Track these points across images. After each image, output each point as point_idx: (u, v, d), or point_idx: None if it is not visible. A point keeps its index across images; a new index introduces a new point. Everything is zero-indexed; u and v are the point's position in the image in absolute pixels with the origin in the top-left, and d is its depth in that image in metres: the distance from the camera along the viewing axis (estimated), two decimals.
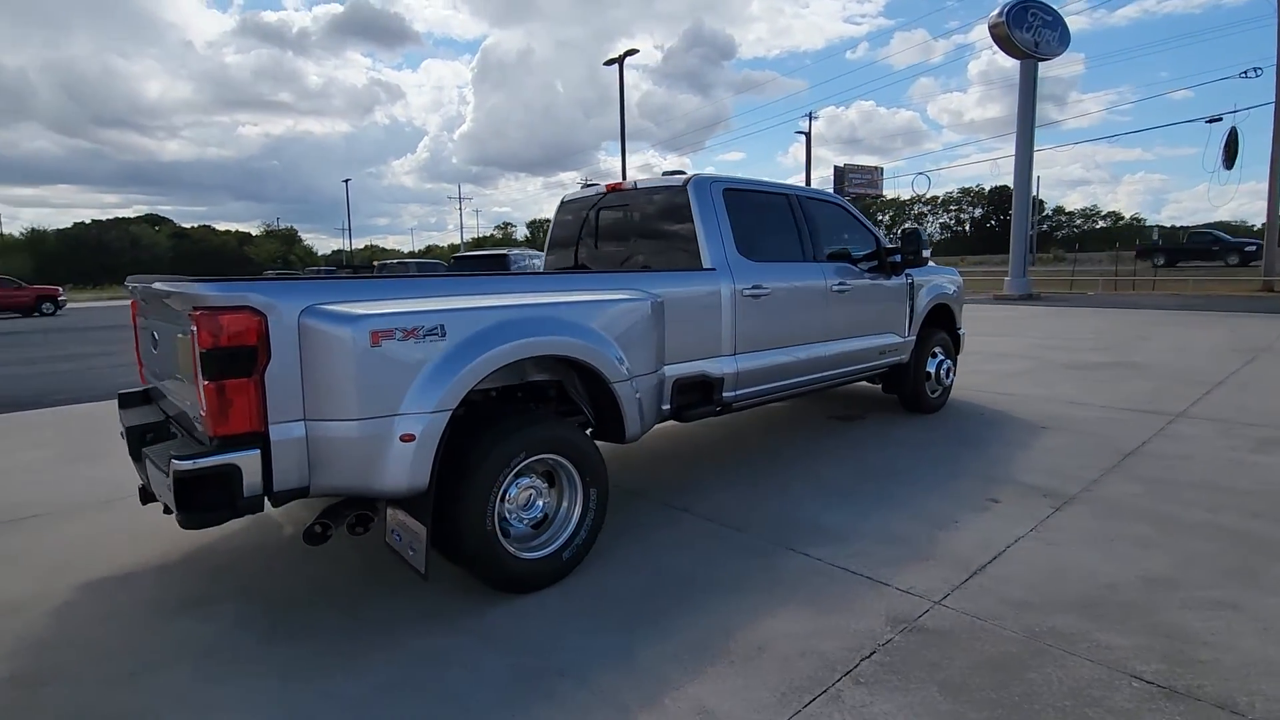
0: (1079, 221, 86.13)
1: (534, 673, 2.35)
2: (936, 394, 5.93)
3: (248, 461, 2.35)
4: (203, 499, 2.31)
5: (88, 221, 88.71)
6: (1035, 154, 20.71)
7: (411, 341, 2.53)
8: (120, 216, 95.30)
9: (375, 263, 30.17)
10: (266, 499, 2.44)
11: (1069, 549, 3.22)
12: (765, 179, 4.68)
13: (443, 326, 2.61)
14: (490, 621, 2.70)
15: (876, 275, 5.14)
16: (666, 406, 3.71)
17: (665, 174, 4.32)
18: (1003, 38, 19.40)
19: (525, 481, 2.96)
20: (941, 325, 6.10)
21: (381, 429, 2.48)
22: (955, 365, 6.26)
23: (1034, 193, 29.52)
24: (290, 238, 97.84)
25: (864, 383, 5.75)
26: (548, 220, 5.48)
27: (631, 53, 24.78)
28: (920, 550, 3.23)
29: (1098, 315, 14.88)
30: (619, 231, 4.60)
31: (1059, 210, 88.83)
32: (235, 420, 2.32)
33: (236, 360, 2.30)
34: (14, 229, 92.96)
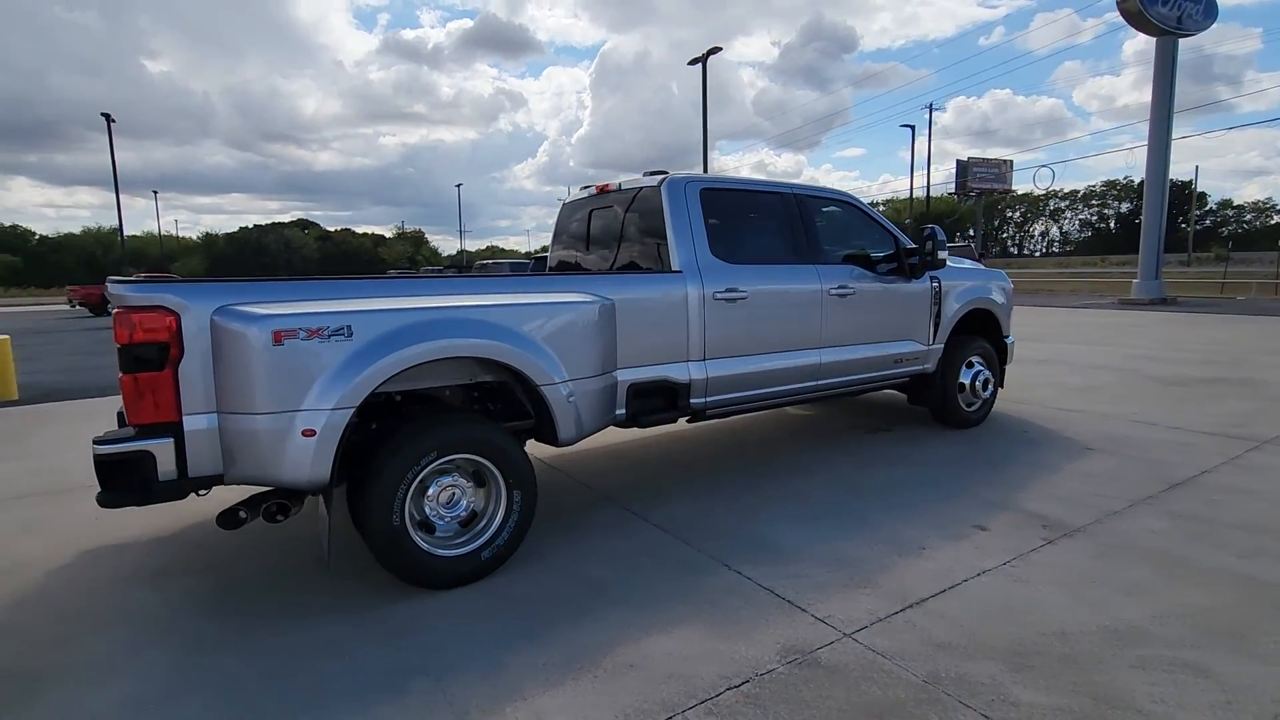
0: (1249, 216, 75.96)
1: (402, 671, 2.40)
2: (974, 407, 5.45)
3: (161, 449, 2.55)
4: (121, 481, 2.53)
5: (249, 226, 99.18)
6: (1202, 140, 18.59)
7: (316, 341, 2.65)
8: (276, 221, 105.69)
9: (478, 262, 31.75)
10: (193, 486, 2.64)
11: (1036, 588, 2.86)
12: (762, 178, 4.49)
13: (349, 327, 2.71)
14: (392, 617, 2.77)
15: (891, 278, 4.80)
16: (621, 411, 3.65)
17: (646, 174, 4.25)
18: (1134, 13, 17.47)
19: (447, 480, 3.02)
20: (984, 332, 5.60)
21: (284, 424, 2.61)
22: (1000, 376, 5.73)
23: (1194, 184, 26.32)
24: (418, 239, 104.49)
25: (898, 393, 5.40)
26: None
27: (714, 51, 24.35)
28: (863, 577, 2.99)
29: (1231, 324, 13.09)
30: (607, 233, 4.57)
31: (1225, 204, 78.87)
32: (150, 410, 2.53)
33: (150, 355, 2.51)
34: (193, 233, 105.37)
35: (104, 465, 2.50)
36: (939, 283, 5.12)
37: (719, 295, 3.92)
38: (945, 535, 3.41)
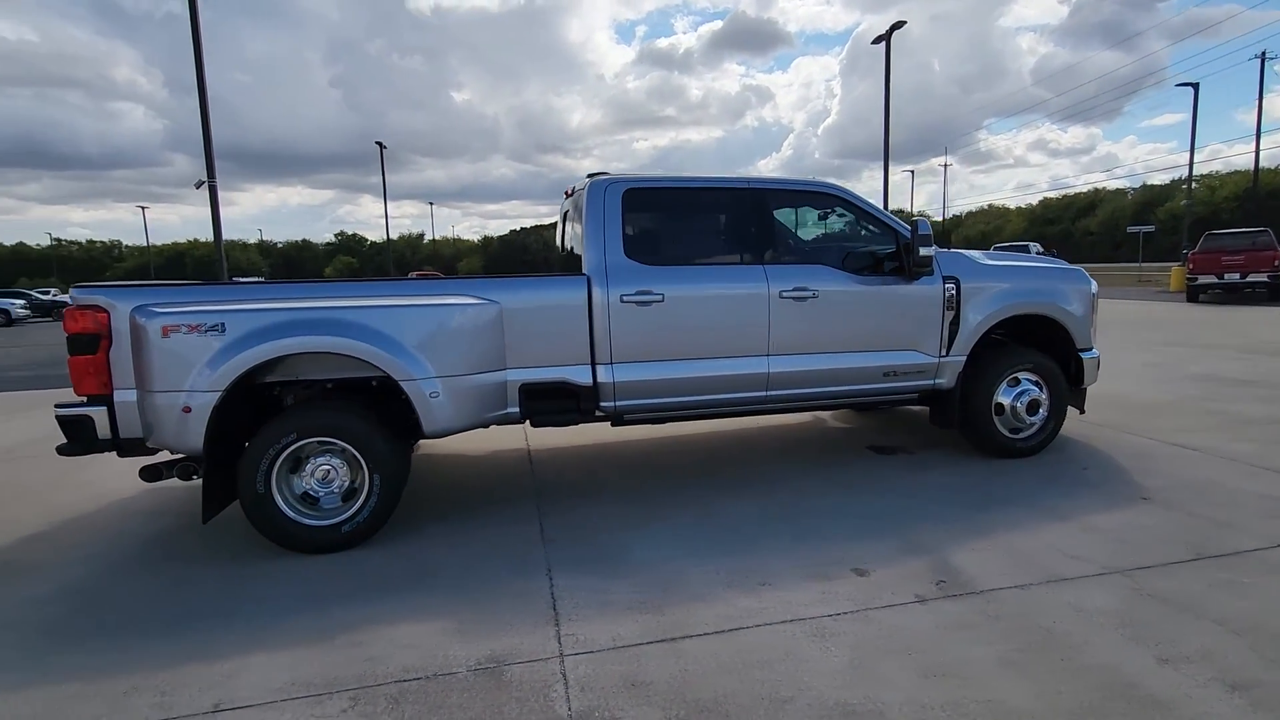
0: None
1: (217, 611, 2.86)
2: (1022, 434, 4.50)
3: (98, 414, 3.32)
4: (72, 437, 3.36)
5: (517, 230, 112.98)
6: None
7: (195, 335, 3.24)
8: (539, 224, 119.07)
9: None
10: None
11: (818, 646, 2.44)
12: (715, 175, 4.22)
13: (223, 324, 3.26)
14: (251, 567, 3.27)
15: (878, 280, 4.19)
16: (514, 409, 3.78)
17: (589, 175, 4.26)
18: None
19: (323, 460, 3.45)
20: (1048, 344, 4.60)
21: (171, 400, 3.25)
22: (1077, 399, 4.66)
23: None
24: None
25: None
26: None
27: (899, 25, 21.73)
28: (659, 603, 2.79)
29: None
30: (572, 228, 4.66)
31: None
32: (87, 385, 3.31)
33: (85, 343, 3.29)
34: (479, 237, 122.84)
35: (60, 423, 3.35)
36: (956, 284, 4.33)
37: (628, 298, 3.83)
38: (806, 573, 3.00)
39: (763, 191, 4.19)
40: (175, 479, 3.52)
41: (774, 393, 4.14)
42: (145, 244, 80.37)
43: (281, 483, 3.38)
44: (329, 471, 3.47)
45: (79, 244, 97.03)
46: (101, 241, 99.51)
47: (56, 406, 3.36)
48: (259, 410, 3.64)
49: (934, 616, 2.63)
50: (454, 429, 3.59)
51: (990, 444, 4.49)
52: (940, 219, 72.77)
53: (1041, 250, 22.88)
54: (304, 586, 3.07)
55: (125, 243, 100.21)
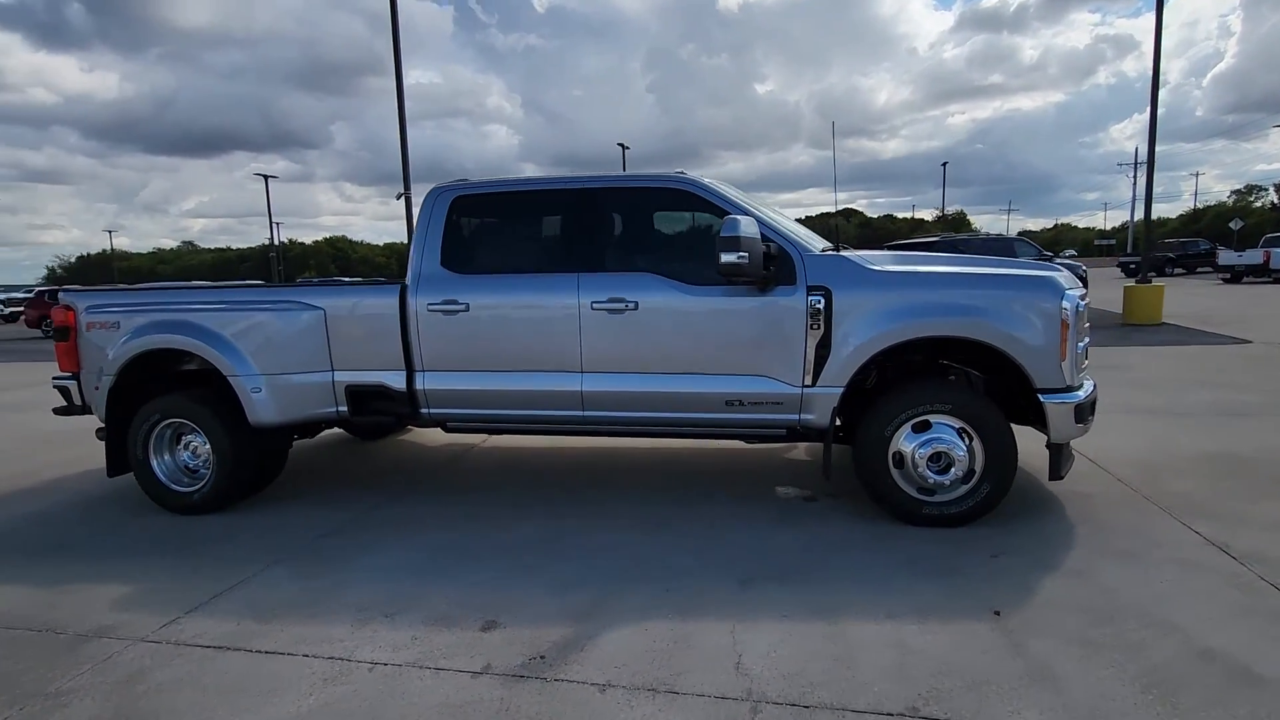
0: None
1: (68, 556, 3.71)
2: (940, 498, 3.38)
3: (73, 386, 4.44)
4: (63, 401, 4.54)
5: (801, 219, 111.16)
6: None
7: (103, 329, 4.14)
8: (825, 212, 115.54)
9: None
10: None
11: (301, 686, 2.28)
12: (565, 175, 3.91)
13: (119, 322, 4.11)
14: (112, 513, 4.09)
15: (725, 289, 3.49)
16: (343, 409, 4.04)
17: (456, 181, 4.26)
18: None
19: (197, 440, 4.14)
20: (1000, 379, 3.39)
21: (94, 380, 4.20)
22: (1054, 457, 3.36)
23: None
24: (958, 221, 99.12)
25: None
26: None
27: None
28: (261, 611, 2.85)
29: None
30: None
31: None
32: (64, 364, 4.44)
33: (61, 333, 4.40)
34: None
35: (56, 389, 4.54)
36: (826, 296, 3.39)
37: (434, 307, 3.81)
38: (432, 615, 2.76)
39: (594, 192, 3.77)
40: None
41: (590, 413, 3.75)
42: None
43: (161, 452, 4.14)
44: (196, 448, 4.14)
45: None
46: None
47: (53, 378, 4.57)
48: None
49: (462, 692, 2.26)
50: (278, 422, 3.99)
51: (890, 505, 3.46)
52: None
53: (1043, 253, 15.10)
54: (120, 539, 3.75)
55: None
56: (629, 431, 3.87)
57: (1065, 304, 3.23)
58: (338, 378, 4.01)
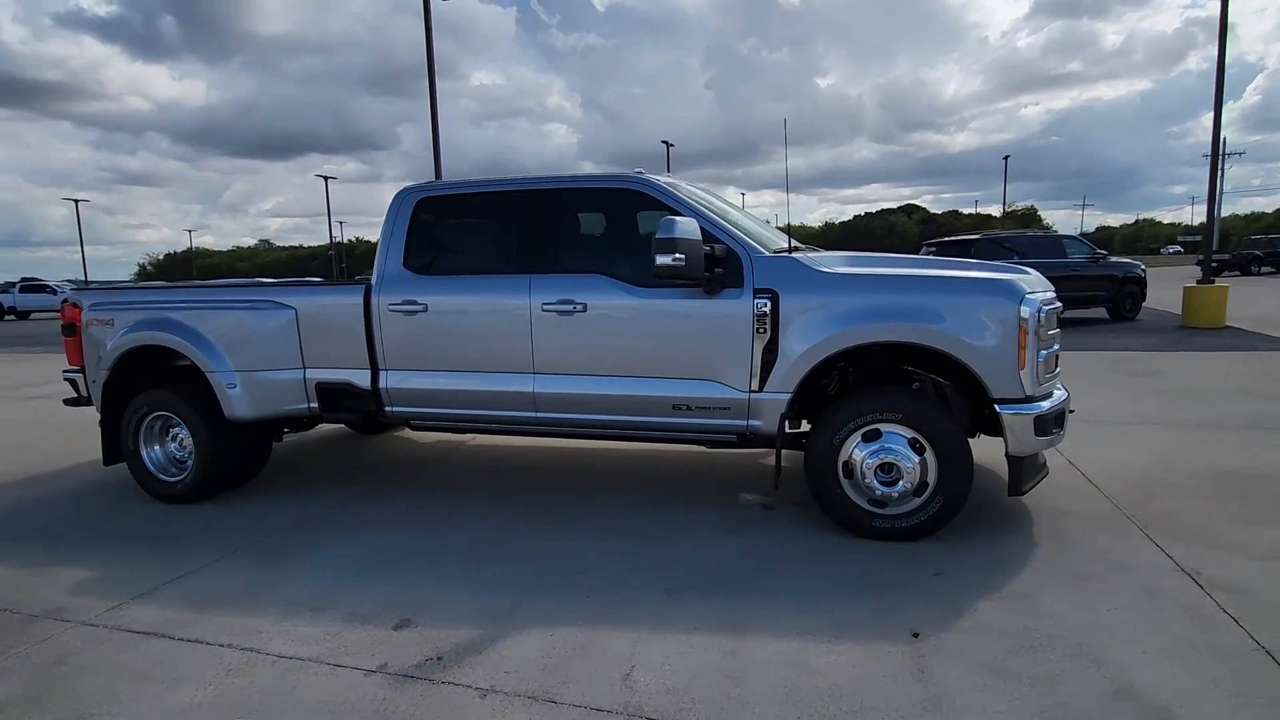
0: None
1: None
2: (890, 510, 3.23)
3: (79, 378, 4.72)
4: (73, 392, 4.83)
5: (861, 215, 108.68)
6: None
7: (101, 326, 4.38)
8: (886, 208, 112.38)
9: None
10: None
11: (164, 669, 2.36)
12: (522, 176, 3.91)
13: (114, 320, 4.34)
14: (107, 499, 4.32)
15: (674, 292, 3.43)
16: (314, 405, 4.17)
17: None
18: None
19: (175, 429, 4.34)
20: (960, 388, 3.23)
21: (93, 374, 4.45)
22: (1014, 471, 3.17)
23: None
24: (1028, 217, 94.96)
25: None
26: None
27: None
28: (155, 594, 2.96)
29: None
30: None
31: None
32: (71, 359, 4.71)
33: (68, 329, 4.68)
34: (834, 220, 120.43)
35: (68, 382, 4.83)
36: (773, 299, 3.28)
37: (395, 307, 3.87)
38: (352, 613, 2.81)
39: (549, 193, 3.77)
40: None
41: (543, 415, 3.74)
42: None
43: (151, 444, 4.36)
44: (183, 440, 4.34)
45: None
46: None
47: (64, 371, 4.86)
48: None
49: (349, 691, 2.29)
50: (252, 417, 4.13)
51: (839, 516, 3.33)
52: None
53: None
54: (97, 528, 3.97)
55: None
56: (580, 434, 3.84)
57: (1024, 309, 3.04)
58: (309, 375, 4.13)
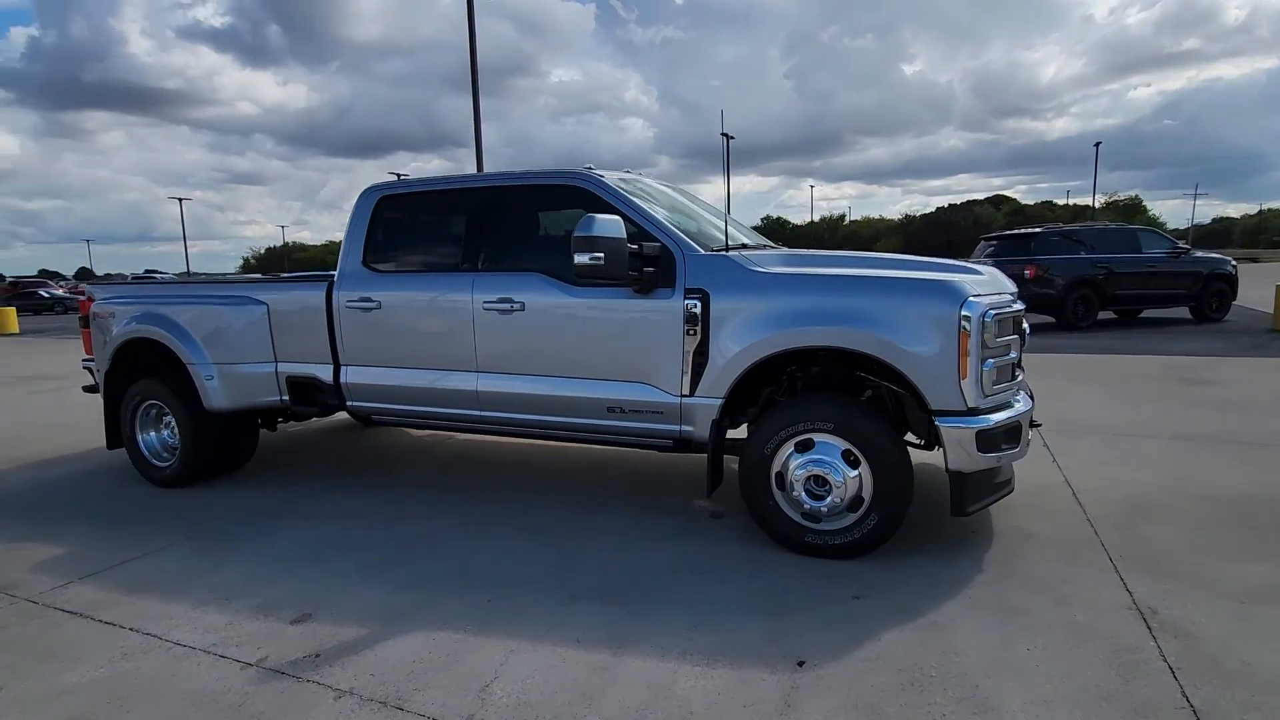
0: None
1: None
2: (824, 526, 3.05)
3: (94, 366, 5.07)
4: (91, 380, 5.18)
5: (944, 206, 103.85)
6: None
7: (105, 319, 4.67)
8: (972, 199, 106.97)
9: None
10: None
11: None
12: (471, 173, 3.90)
13: (114, 313, 4.62)
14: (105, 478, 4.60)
15: (609, 292, 3.33)
16: (285, 398, 4.31)
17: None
18: None
19: (166, 417, 4.59)
20: (893, 394, 3.00)
21: (100, 363, 4.76)
22: (957, 489, 2.92)
23: None
24: (1130, 208, 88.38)
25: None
26: None
27: None
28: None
29: None
30: None
31: None
32: (87, 348, 5.06)
33: (84, 320, 5.02)
34: (914, 212, 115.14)
35: (85, 370, 5.19)
36: (703, 300, 3.13)
37: (352, 303, 3.94)
38: (253, 606, 2.87)
39: (495, 190, 3.73)
40: None
41: (486, 413, 3.73)
42: None
43: (146, 430, 4.62)
44: (175, 427, 4.58)
45: None
46: None
47: (82, 360, 5.22)
48: None
49: (220, 682, 2.34)
50: (228, 408, 4.31)
51: (771, 528, 3.16)
52: None
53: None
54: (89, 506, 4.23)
55: None
56: (522, 433, 3.80)
57: (966, 312, 2.78)
58: (280, 369, 4.27)
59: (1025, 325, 3.52)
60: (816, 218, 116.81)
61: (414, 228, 4.13)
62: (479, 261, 3.71)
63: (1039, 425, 3.49)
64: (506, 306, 3.55)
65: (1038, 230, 12.08)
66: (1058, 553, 3.07)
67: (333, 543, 3.51)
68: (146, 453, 4.60)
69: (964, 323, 2.77)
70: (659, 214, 3.45)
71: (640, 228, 3.35)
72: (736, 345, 3.09)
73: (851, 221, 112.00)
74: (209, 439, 4.43)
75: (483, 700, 2.20)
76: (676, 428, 3.32)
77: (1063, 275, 11.40)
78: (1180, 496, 3.67)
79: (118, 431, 4.72)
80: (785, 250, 3.65)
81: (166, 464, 4.52)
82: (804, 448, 3.04)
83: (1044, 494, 3.79)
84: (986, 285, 2.96)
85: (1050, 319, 11.99)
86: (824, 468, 2.98)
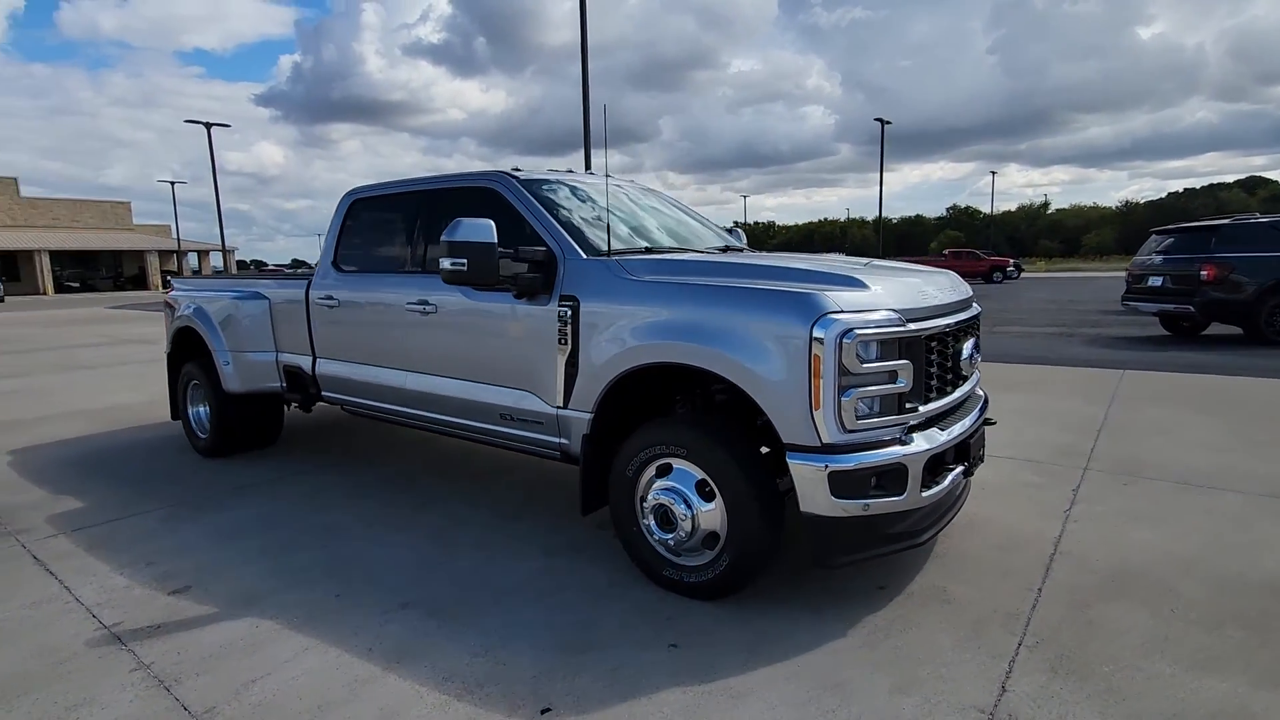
0: None
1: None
2: (686, 563, 2.75)
3: None
4: None
5: (1179, 192, 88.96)
6: None
7: (171, 309, 5.42)
8: (1216, 183, 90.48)
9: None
10: None
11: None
12: (420, 175, 3.98)
13: (177, 303, 5.34)
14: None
15: (499, 296, 3.26)
16: (284, 385, 4.73)
17: None
18: None
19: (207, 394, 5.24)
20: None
21: (167, 346, 5.55)
22: (818, 534, 2.53)
23: None
24: None
25: None
26: None
27: None
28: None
29: None
30: None
31: None
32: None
33: (166, 308, 5.86)
34: (1148, 198, 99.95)
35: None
36: (572, 306, 2.94)
37: (319, 301, 4.23)
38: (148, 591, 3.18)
39: (429, 194, 3.80)
40: None
41: (414, 411, 3.81)
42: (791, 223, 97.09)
43: (196, 405, 5.31)
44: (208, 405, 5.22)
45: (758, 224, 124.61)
46: (760, 223, 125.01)
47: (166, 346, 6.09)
48: None
49: (66, 642, 2.64)
50: (241, 391, 4.81)
51: (634, 555, 2.92)
52: None
53: None
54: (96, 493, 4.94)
55: (777, 223, 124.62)
56: (439, 433, 3.83)
57: (819, 333, 2.34)
58: (280, 358, 4.70)
59: (968, 347, 2.93)
60: (1013, 206, 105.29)
61: (371, 230, 4.33)
62: (413, 263, 3.82)
63: (992, 422, 3.12)
64: (422, 308, 3.61)
65: (1222, 221, 9.90)
66: (961, 627, 2.52)
67: (263, 523, 3.78)
68: (194, 425, 5.29)
69: (815, 345, 2.35)
70: (562, 217, 3.30)
71: (534, 231, 3.23)
72: (600, 358, 2.88)
73: (1058, 210, 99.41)
74: (231, 417, 4.99)
75: (236, 695, 2.27)
76: (556, 439, 3.17)
77: (1254, 277, 9.24)
78: (1192, 574, 2.85)
79: (178, 404, 5.48)
80: (693, 253, 3.34)
81: (205, 437, 5.16)
82: (663, 472, 2.77)
83: (1016, 549, 3.13)
84: (873, 300, 2.48)
85: (1238, 330, 9.83)
86: (670, 496, 2.70)
